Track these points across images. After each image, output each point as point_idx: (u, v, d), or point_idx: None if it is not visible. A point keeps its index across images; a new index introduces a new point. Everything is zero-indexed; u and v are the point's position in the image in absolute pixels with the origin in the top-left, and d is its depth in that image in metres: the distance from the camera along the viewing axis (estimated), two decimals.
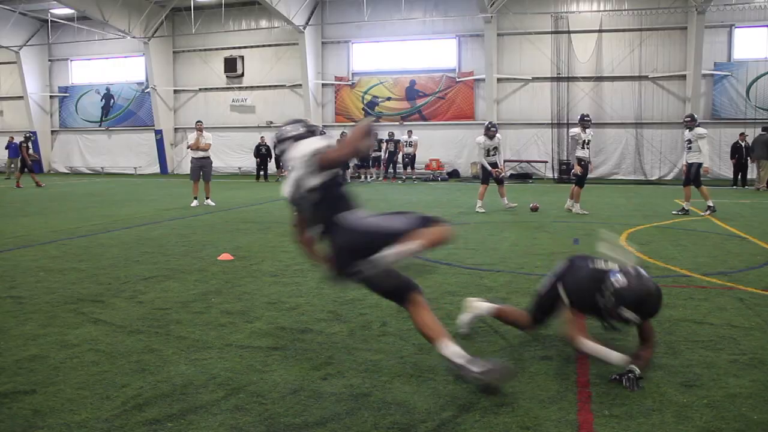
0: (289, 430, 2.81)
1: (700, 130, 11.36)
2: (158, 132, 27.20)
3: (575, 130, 11.79)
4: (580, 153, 11.63)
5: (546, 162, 22.77)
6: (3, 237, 8.74)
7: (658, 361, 3.66)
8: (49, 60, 29.46)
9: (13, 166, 25.97)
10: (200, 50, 26.93)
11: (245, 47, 26.30)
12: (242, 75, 26.45)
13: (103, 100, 28.77)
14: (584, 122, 11.68)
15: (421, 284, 5.63)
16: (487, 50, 22.49)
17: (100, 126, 29.00)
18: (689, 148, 11.48)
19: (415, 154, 21.75)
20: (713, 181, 20.73)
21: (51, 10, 25.63)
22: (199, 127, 13.60)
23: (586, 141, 11.60)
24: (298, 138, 3.60)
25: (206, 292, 5.42)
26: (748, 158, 18.88)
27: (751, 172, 19.05)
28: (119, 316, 4.67)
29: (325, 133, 4.09)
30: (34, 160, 26.01)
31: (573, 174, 11.97)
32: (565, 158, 22.11)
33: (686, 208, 11.45)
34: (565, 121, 22.22)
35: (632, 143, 22.16)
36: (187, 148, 14.37)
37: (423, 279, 5.88)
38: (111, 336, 4.17)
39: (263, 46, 26.10)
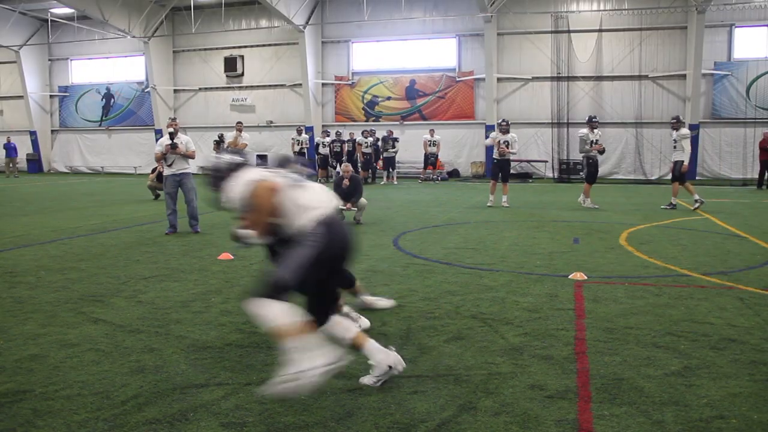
0: (289, 430, 2.81)
1: (684, 131, 12.32)
2: (158, 131, 27.14)
3: (583, 131, 12.64)
4: (593, 153, 12.56)
5: (546, 162, 22.75)
6: (3, 237, 8.74)
7: (658, 361, 3.66)
8: (49, 59, 29.45)
9: (11, 165, 26.03)
10: (200, 50, 26.92)
11: (245, 47, 26.28)
12: (242, 74, 26.44)
13: (103, 100, 28.75)
14: (592, 123, 12.60)
15: (421, 284, 5.66)
16: (487, 50, 22.49)
17: (100, 125, 28.99)
18: (674, 147, 12.43)
19: (437, 154, 21.51)
20: (713, 181, 20.74)
21: (51, 10, 25.62)
22: (239, 128, 13.89)
23: (594, 141, 12.47)
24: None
25: (206, 292, 5.42)
26: None
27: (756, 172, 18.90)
28: (119, 315, 4.67)
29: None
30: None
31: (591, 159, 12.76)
32: (565, 158, 22.11)
33: (673, 203, 12.18)
34: (565, 121, 22.21)
35: (632, 143, 22.15)
36: (226, 147, 14.41)
37: (422, 278, 5.90)
38: (111, 336, 4.17)
39: (263, 45, 26.08)
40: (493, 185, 12.94)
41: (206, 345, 3.98)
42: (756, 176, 18.75)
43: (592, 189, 12.66)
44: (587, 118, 13.05)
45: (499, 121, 13.55)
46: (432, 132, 21.38)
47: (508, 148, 12.72)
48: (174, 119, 9.37)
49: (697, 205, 11.74)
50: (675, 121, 12.55)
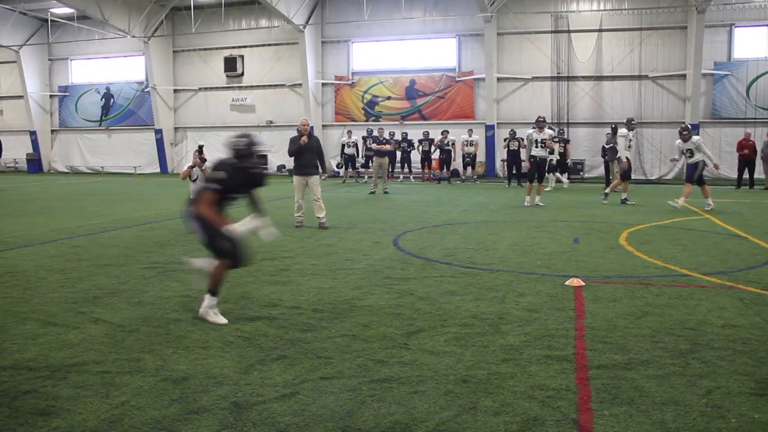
0: (289, 430, 2.81)
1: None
2: (158, 131, 27.19)
3: (624, 131, 13.48)
4: (627, 153, 13.50)
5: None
6: (3, 237, 8.74)
7: (658, 361, 3.66)
8: (49, 59, 29.44)
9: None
10: (200, 49, 26.91)
11: (245, 46, 26.27)
12: (242, 74, 26.43)
13: (103, 100, 28.75)
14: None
15: (421, 284, 5.66)
16: (487, 49, 22.48)
17: (100, 125, 28.98)
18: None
19: (476, 154, 21.40)
20: (713, 181, 20.72)
21: (51, 10, 25.60)
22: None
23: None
24: None
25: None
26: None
27: (758, 172, 18.91)
28: (119, 315, 4.67)
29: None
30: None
31: (622, 170, 13.73)
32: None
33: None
34: (566, 121, 22.20)
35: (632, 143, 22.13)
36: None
37: (422, 278, 5.90)
38: (111, 336, 4.17)
39: (263, 45, 26.08)
40: (529, 187, 13.05)
41: (206, 345, 3.98)
42: (758, 176, 18.73)
43: (580, 191, 13.00)
44: (627, 120, 13.85)
45: (538, 117, 13.76)
46: (470, 132, 21.24)
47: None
48: (199, 152, 9.68)
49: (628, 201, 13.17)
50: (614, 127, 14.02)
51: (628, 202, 13.15)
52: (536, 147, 12.90)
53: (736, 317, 4.55)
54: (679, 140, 12.45)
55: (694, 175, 12.10)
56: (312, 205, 9.66)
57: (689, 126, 12.94)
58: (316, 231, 9.21)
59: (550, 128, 13.55)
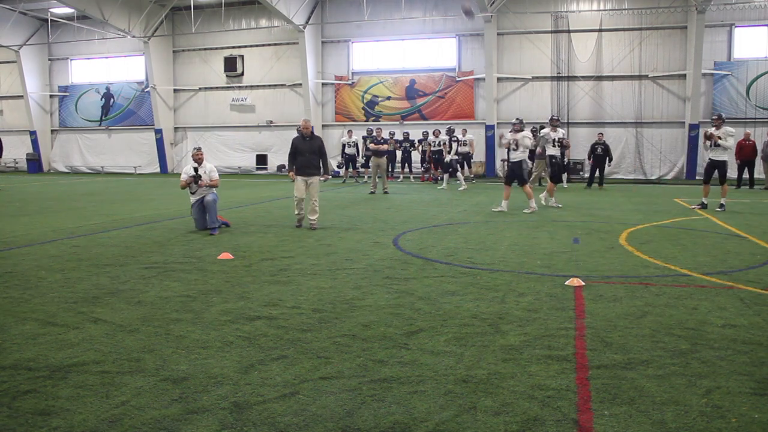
0: (289, 430, 2.81)
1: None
2: (158, 131, 27.20)
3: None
4: (710, 152, 12.27)
5: None
6: (3, 237, 8.74)
7: (658, 361, 3.66)
8: (49, 59, 29.46)
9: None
10: (200, 49, 26.94)
11: (245, 46, 26.31)
12: (242, 74, 26.45)
13: (103, 100, 28.76)
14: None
15: (421, 284, 5.66)
16: (487, 49, 22.50)
17: (99, 125, 29.00)
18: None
19: (472, 154, 21.07)
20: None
21: (51, 10, 25.63)
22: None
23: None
24: None
25: (206, 292, 5.42)
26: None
27: (758, 172, 18.94)
28: (119, 315, 4.67)
29: None
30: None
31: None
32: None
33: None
34: (566, 121, 22.20)
35: (632, 142, 22.17)
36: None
37: (422, 278, 5.90)
38: (111, 336, 4.17)
39: (263, 45, 26.11)
40: (551, 186, 12.82)
41: (206, 345, 3.98)
42: (759, 176, 18.74)
43: (578, 192, 12.74)
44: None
45: (552, 116, 13.67)
46: (464, 131, 20.87)
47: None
48: (199, 149, 9.44)
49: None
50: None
51: (551, 204, 12.58)
52: (552, 146, 12.72)
53: (736, 317, 4.55)
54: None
55: (524, 174, 11.71)
56: (306, 205, 9.64)
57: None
58: (316, 231, 9.21)
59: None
